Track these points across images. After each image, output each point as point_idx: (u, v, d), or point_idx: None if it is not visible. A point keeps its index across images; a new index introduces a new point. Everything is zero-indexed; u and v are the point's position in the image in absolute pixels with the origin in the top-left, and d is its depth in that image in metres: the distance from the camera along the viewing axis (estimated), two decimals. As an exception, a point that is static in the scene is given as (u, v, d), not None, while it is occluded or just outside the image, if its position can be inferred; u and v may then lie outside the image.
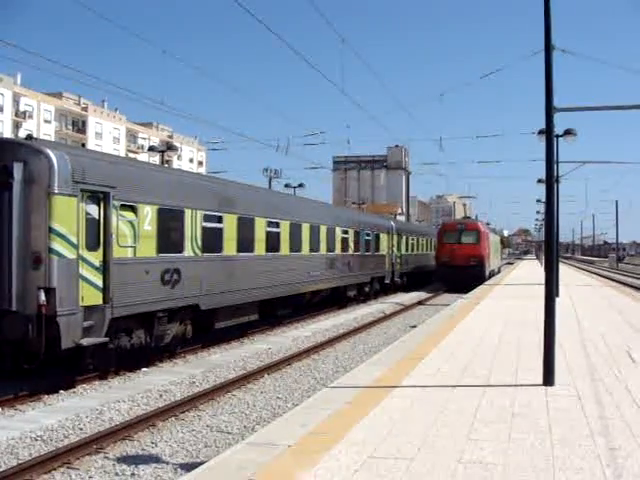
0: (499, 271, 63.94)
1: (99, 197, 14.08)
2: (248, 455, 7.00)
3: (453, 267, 43.28)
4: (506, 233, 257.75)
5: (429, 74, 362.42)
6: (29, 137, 13.93)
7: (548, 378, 10.40)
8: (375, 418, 8.47)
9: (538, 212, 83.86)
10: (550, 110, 10.76)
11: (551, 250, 11.46)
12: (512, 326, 18.26)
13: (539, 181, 41.44)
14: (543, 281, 11.01)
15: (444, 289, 44.35)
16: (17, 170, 12.85)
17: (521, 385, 10.52)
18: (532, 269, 66.93)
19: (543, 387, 10.28)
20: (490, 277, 48.04)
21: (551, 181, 11.04)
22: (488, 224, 69.28)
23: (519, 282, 42.44)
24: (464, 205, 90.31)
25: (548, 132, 10.97)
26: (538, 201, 68.19)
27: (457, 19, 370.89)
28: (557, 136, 26.10)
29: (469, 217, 58.45)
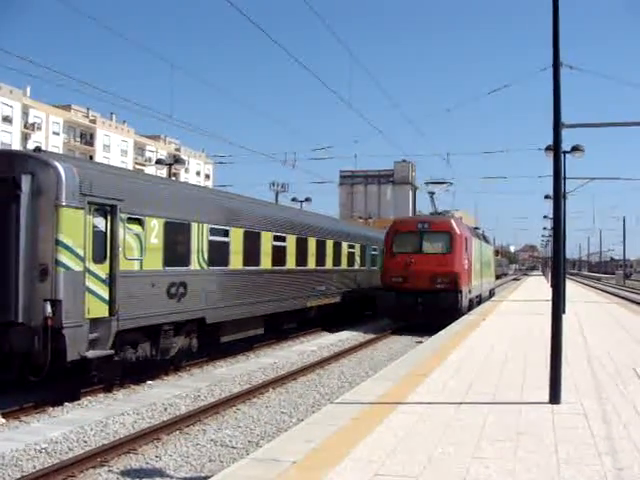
0: (492, 295, 46.70)
1: (106, 210, 14.11)
2: (253, 471, 6.96)
3: (407, 293, 27.33)
4: (513, 249, 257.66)
5: (437, 89, 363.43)
6: (37, 149, 14.00)
7: (554, 396, 10.34)
8: (380, 435, 8.42)
9: (545, 228, 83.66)
10: (558, 127, 10.76)
11: (558, 266, 11.42)
12: (518, 343, 18.19)
13: (546, 197, 41.41)
14: (549, 297, 10.96)
15: (391, 328, 28.80)
16: (25, 182, 12.90)
17: (527, 403, 10.46)
18: (538, 285, 66.75)
19: (549, 405, 10.21)
20: (472, 307, 31.78)
21: (559, 197, 11.01)
22: (477, 229, 48.80)
23: (525, 298, 42.10)
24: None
25: (556, 148, 10.95)
26: (545, 217, 68.19)
27: (465, 35, 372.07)
28: (564, 152, 26.08)
29: (440, 213, 36.33)
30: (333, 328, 28.73)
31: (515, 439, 8.28)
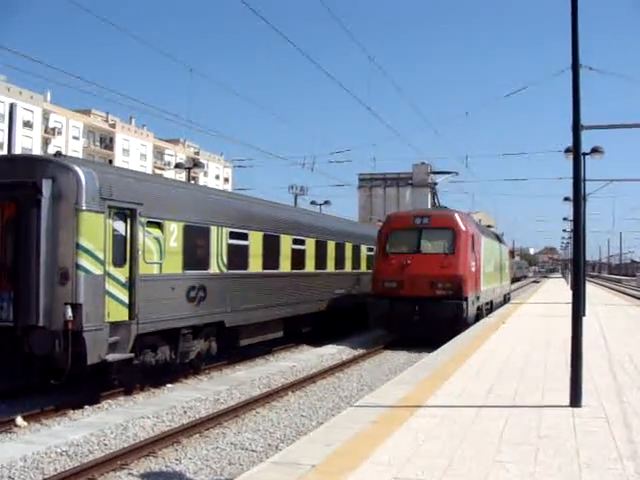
0: (506, 301, 40.91)
1: (126, 214, 14.19)
2: (273, 474, 6.97)
3: (402, 301, 23.40)
4: (532, 251, 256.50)
5: (455, 92, 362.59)
6: (58, 154, 14.10)
7: (575, 399, 10.26)
8: (400, 438, 8.40)
9: (565, 230, 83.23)
10: (578, 128, 10.69)
11: (578, 269, 11.34)
12: (538, 345, 18.07)
13: (566, 199, 41.18)
14: (569, 300, 10.89)
15: (384, 341, 24.66)
16: (46, 186, 13.00)
17: (548, 406, 10.39)
18: (558, 287, 66.32)
19: (570, 408, 10.14)
20: (482, 316, 27.47)
21: (579, 199, 10.94)
22: (490, 227, 46.01)
23: (545, 301, 41.81)
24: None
25: (576, 150, 10.89)
26: (565, 219, 67.91)
27: (483, 37, 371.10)
28: (584, 154, 25.93)
29: (442, 206, 30.85)
30: (355, 330, 28.54)
31: (536, 443, 8.23)
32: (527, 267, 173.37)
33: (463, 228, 24.65)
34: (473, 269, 24.93)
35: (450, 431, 8.79)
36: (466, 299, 23.56)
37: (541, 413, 9.89)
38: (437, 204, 31.25)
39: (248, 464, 10.08)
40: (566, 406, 10.22)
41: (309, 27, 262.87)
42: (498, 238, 39.44)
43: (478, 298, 26.22)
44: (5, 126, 67.11)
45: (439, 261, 23.89)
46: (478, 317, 26.49)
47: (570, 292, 11.61)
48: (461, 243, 24.27)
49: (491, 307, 31.99)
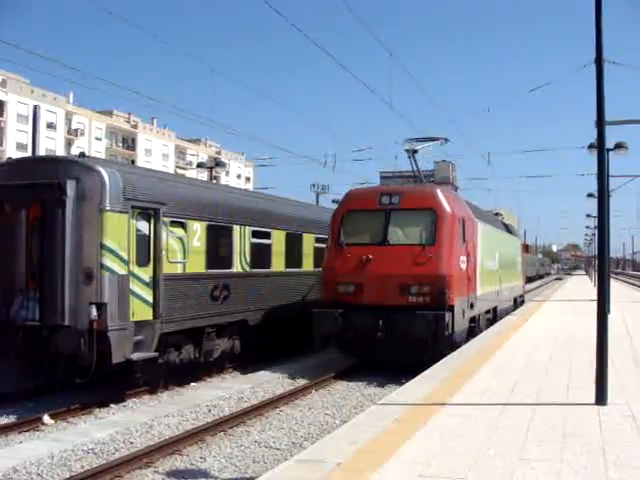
0: (518, 304, 33.69)
1: (149, 214, 14.29)
2: (298, 472, 6.99)
3: (361, 310, 17.05)
4: (555, 248, 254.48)
5: (477, 88, 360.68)
6: (82, 155, 14.23)
7: (601, 397, 10.19)
8: (424, 436, 8.40)
9: (588, 227, 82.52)
10: (602, 124, 10.59)
11: (603, 265, 11.24)
12: (562, 343, 17.96)
13: (589, 195, 40.87)
14: (593, 297, 10.81)
15: (341, 366, 18.57)
16: (70, 187, 13.13)
17: (573, 404, 10.33)
18: (582, 285, 65.83)
19: (595, 406, 10.07)
20: (479, 330, 20.65)
21: (603, 196, 10.85)
22: (498, 215, 37.25)
23: (568, 298, 41.46)
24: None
25: (600, 146, 10.80)
26: (588, 216, 67.24)
27: (505, 32, 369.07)
28: (608, 150, 25.70)
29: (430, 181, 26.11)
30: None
31: (561, 441, 8.18)
32: (550, 264, 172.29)
33: (448, 209, 17.69)
34: (463, 266, 18.27)
35: (475, 429, 8.76)
36: (451, 309, 16.85)
37: (566, 411, 9.83)
38: (417, 176, 21.62)
39: (272, 462, 10.12)
40: (592, 404, 10.15)
41: (330, 25, 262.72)
42: (507, 228, 32.28)
43: (472, 305, 19.36)
44: (29, 128, 67.78)
45: (413, 255, 17.10)
46: (472, 331, 19.76)
47: (594, 289, 11.51)
48: (445, 230, 17.43)
49: (494, 316, 24.82)
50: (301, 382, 16.46)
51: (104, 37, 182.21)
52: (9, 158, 17.26)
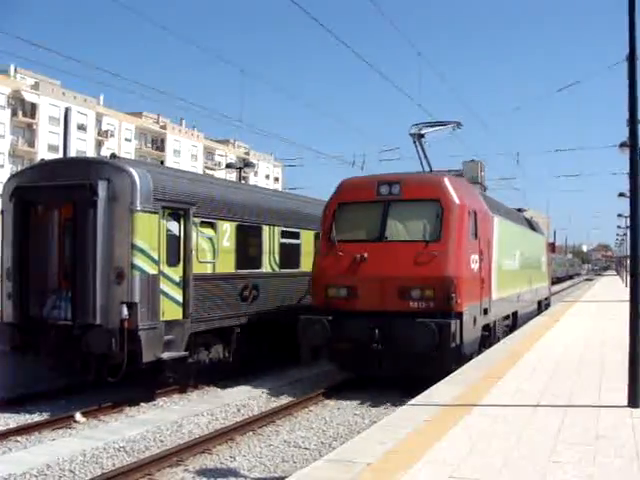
0: (542, 308, 30.86)
1: (179, 214, 14.38)
2: (328, 472, 7.01)
3: (354, 318, 14.93)
4: (585, 248, 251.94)
5: (506, 87, 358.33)
6: (113, 156, 14.38)
7: (634, 399, 10.07)
8: (455, 437, 8.37)
9: (619, 227, 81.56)
10: (634, 122, 10.45)
11: (636, 265, 11.10)
12: (593, 344, 17.78)
13: (620, 195, 40.43)
14: (624, 298, 10.69)
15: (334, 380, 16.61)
16: (101, 188, 13.26)
17: (605, 406, 10.23)
18: (613, 285, 65.10)
19: (628, 408, 9.96)
20: (495, 340, 18.56)
21: (636, 195, 10.69)
22: (521, 210, 31.22)
23: (599, 299, 40.95)
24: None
25: (632, 145, 10.66)
26: (619, 216, 66.57)
27: (534, 32, 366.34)
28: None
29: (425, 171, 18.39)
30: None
31: (593, 443, 8.11)
32: (580, 265, 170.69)
33: (456, 200, 15.47)
34: (475, 266, 16.04)
35: (506, 430, 8.72)
36: (459, 316, 14.67)
37: (598, 413, 9.74)
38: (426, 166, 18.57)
39: (301, 462, 10.14)
40: (624, 406, 10.05)
41: (357, 24, 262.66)
42: (530, 224, 29.53)
43: (485, 311, 16.93)
44: (60, 129, 68.58)
45: (415, 254, 14.96)
46: (484, 342, 17.25)
47: (625, 290, 11.38)
48: (453, 224, 15.25)
49: (514, 322, 22.31)
50: (334, 381, 16.44)
51: (135, 39, 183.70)
52: (42, 160, 17.47)
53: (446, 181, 15.81)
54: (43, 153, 74.10)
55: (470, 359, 15.18)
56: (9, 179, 14.82)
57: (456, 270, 14.89)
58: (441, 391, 11.43)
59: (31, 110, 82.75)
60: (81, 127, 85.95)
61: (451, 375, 13.12)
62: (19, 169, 26.41)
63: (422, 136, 18.43)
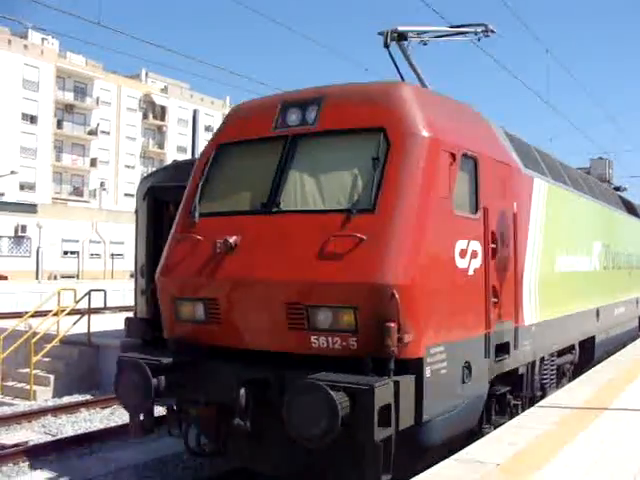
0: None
1: None
2: (457, 471, 7.06)
3: (217, 357, 7.91)
4: None
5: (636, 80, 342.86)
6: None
7: None
8: (585, 441, 8.23)
9: None
10: None
11: None
12: None
13: None
14: None
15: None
16: None
17: None
18: None
19: None
20: (542, 394, 10.94)
21: None
22: (618, 188, 26.30)
23: None
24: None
25: None
26: None
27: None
28: None
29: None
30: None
31: None
32: None
33: (419, 129, 7.67)
34: (469, 263, 8.17)
35: (639, 436, 8.50)
36: (416, 366, 7.19)
37: None
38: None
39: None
40: None
41: (485, 20, 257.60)
42: (627, 205, 21.51)
43: (505, 347, 9.23)
44: (189, 131, 71.14)
45: (325, 237, 7.38)
46: (502, 405, 9.83)
47: None
48: (407, 177, 7.43)
49: (590, 355, 14.31)
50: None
51: (262, 43, 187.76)
52: (174, 161, 18.23)
53: (402, 92, 8.12)
54: (172, 154, 77.19)
55: (451, 452, 7.75)
56: (142, 180, 15.51)
57: (406, 270, 7.18)
58: (573, 392, 11.15)
59: (161, 113, 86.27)
60: (208, 128, 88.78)
61: (578, 378, 12.68)
62: (149, 170, 27.61)
63: (404, 38, 11.09)
